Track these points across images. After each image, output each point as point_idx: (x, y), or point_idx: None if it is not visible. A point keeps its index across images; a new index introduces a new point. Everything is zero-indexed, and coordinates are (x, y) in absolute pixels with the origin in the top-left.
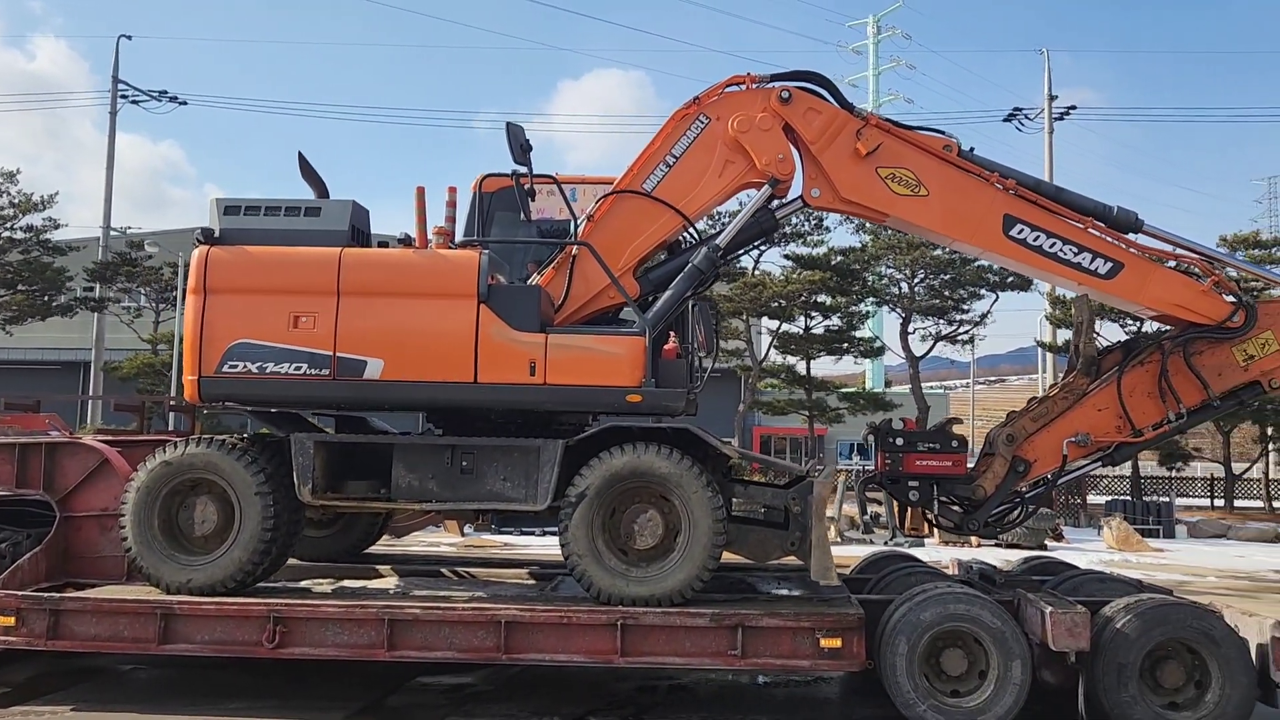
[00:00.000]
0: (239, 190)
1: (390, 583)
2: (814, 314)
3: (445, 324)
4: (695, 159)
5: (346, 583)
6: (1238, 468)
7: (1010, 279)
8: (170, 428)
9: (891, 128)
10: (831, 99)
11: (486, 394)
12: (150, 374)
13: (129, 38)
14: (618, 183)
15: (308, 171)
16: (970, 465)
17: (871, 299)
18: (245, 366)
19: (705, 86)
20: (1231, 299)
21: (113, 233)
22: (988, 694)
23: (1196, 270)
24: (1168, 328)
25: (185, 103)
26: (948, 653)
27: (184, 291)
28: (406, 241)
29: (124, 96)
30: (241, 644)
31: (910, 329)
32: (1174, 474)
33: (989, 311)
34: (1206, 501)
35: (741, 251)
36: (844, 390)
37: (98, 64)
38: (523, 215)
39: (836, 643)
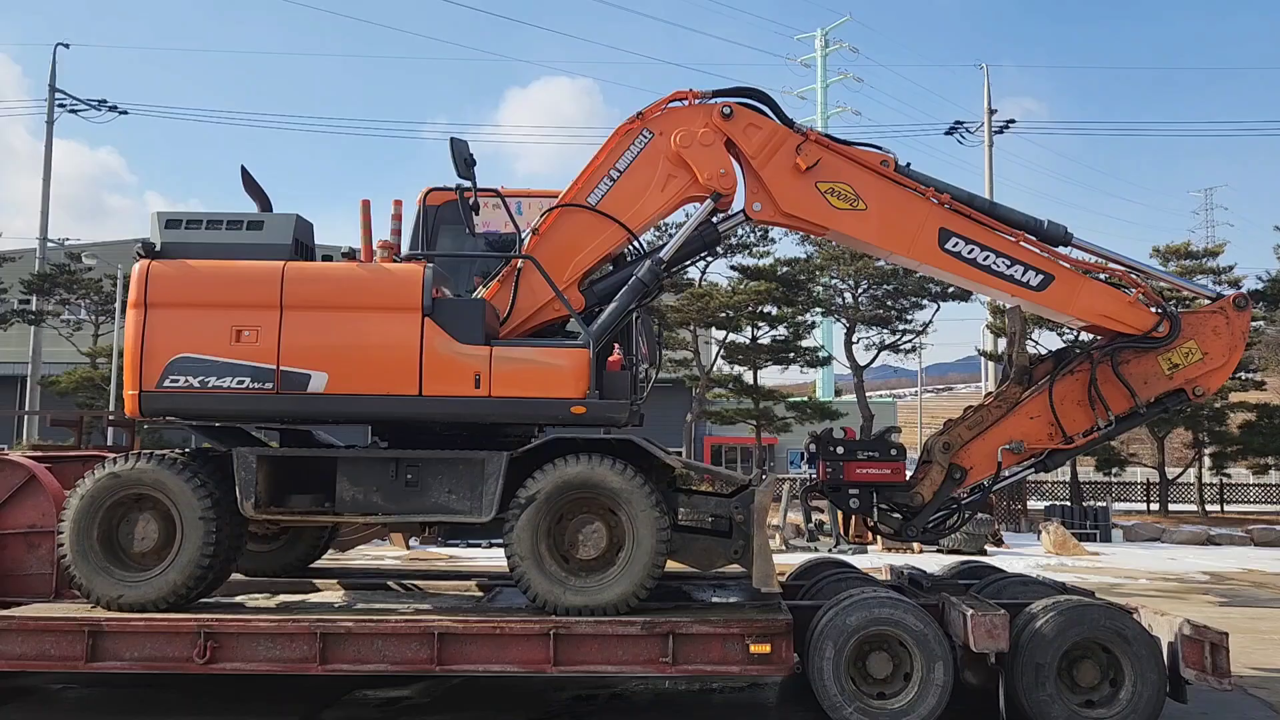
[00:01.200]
0: (183, 199)
1: (334, 596)
2: (761, 324)
3: (389, 337)
4: (639, 173)
5: (287, 597)
6: (1172, 472)
7: (951, 290)
8: (109, 443)
9: (830, 143)
10: (772, 115)
11: (431, 407)
12: (89, 388)
13: (66, 46)
14: (562, 196)
15: (250, 185)
16: (909, 473)
17: (817, 309)
18: (187, 381)
19: (652, 96)
20: (1157, 310)
21: (50, 244)
22: (912, 695)
23: (1124, 283)
24: (1097, 338)
25: (125, 112)
26: (873, 656)
27: (124, 305)
28: (351, 255)
29: (61, 105)
30: (172, 660)
31: (854, 339)
32: (1112, 479)
33: (930, 321)
34: (1144, 506)
35: (685, 264)
36: (791, 400)
37: (29, 68)
38: (467, 229)
39: (766, 648)
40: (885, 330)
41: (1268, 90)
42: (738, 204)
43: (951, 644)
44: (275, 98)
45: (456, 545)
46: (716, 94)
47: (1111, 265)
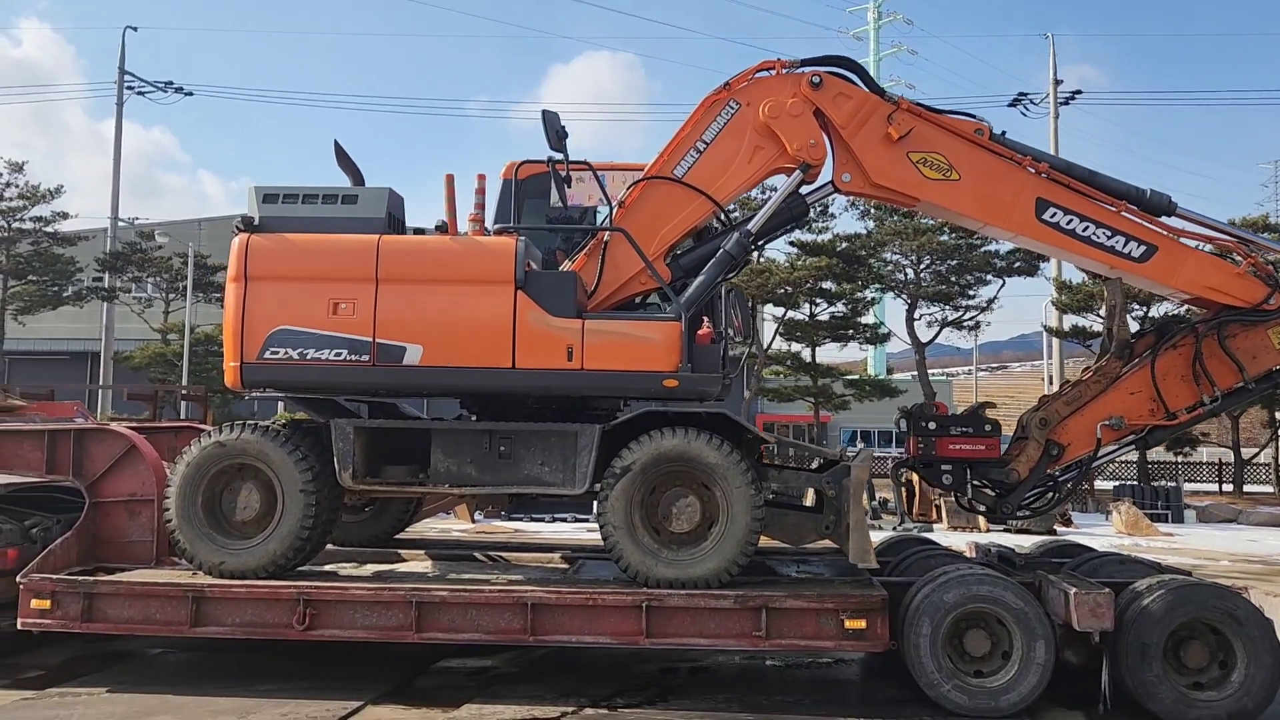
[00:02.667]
0: (234, 177)
1: (422, 566)
2: (819, 300)
3: (483, 310)
4: (725, 145)
5: (376, 566)
6: (1246, 453)
7: (1017, 264)
8: (182, 417)
9: (923, 112)
10: (861, 84)
11: (524, 380)
12: (161, 364)
13: (134, 29)
14: (648, 169)
15: (344, 159)
16: (1002, 449)
17: (877, 285)
18: (286, 353)
19: (695, 71)
20: (1268, 282)
21: (120, 223)
22: (1011, 674)
23: (1232, 253)
24: (1199, 310)
25: (191, 94)
26: (971, 633)
27: (195, 282)
28: (443, 229)
29: (130, 87)
30: (272, 626)
31: (916, 315)
32: (1181, 459)
33: (995, 297)
34: (1214, 486)
35: (772, 236)
36: (849, 377)
37: (83, 50)
38: (558, 201)
39: (861, 624)
40: (948, 306)
41: None
42: (824, 176)
43: (1051, 622)
44: (318, 77)
45: (520, 519)
46: (804, 63)
47: (1218, 236)
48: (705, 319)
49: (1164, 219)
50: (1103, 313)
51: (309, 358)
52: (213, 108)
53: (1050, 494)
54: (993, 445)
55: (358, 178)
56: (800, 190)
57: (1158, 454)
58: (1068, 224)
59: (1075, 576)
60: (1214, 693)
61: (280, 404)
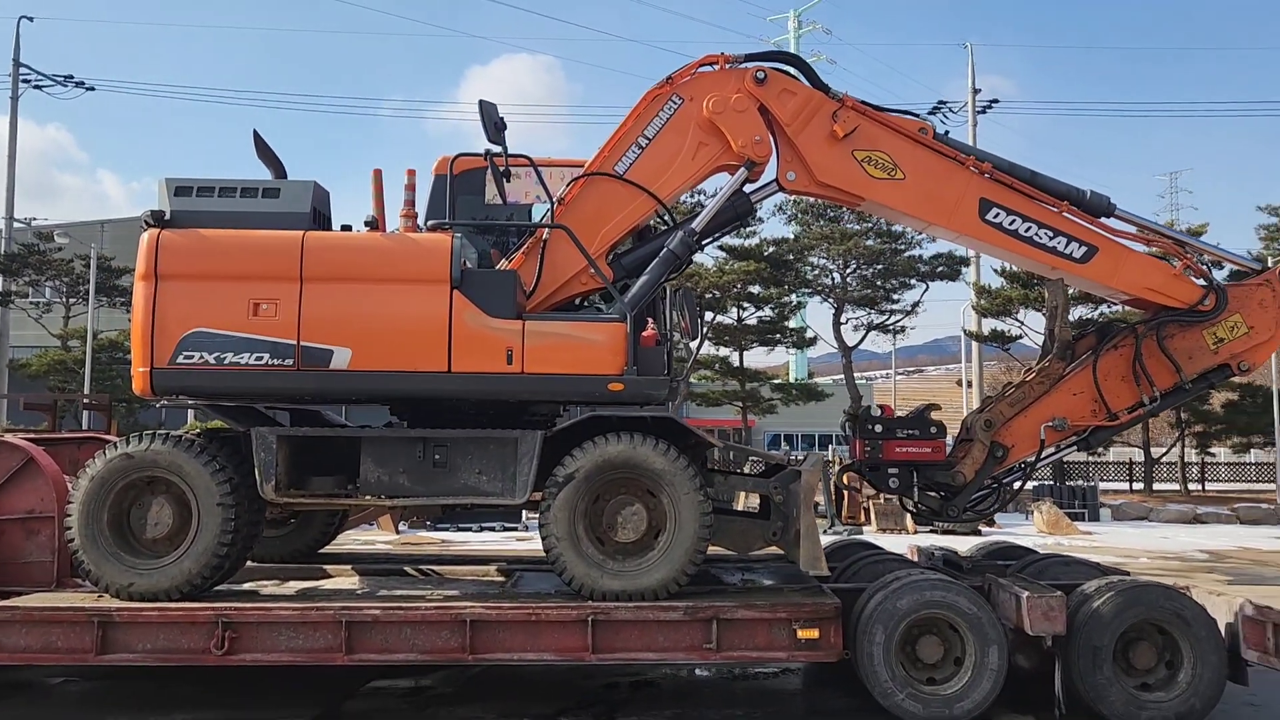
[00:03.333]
0: (136, 176)
1: (350, 583)
2: (747, 305)
3: (416, 311)
4: (668, 141)
5: (300, 584)
6: (1155, 452)
7: (940, 269)
8: (85, 427)
9: (867, 110)
10: (806, 80)
11: (461, 384)
12: (61, 371)
13: (30, 19)
14: (589, 165)
15: (263, 150)
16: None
17: (804, 289)
18: (202, 357)
19: (616, 74)
20: (1202, 283)
21: (16, 224)
22: (965, 681)
23: (1168, 255)
24: (1138, 311)
25: (93, 88)
26: (923, 640)
27: (98, 286)
28: (372, 225)
29: (25, 81)
30: (187, 652)
31: (842, 319)
32: (1094, 459)
33: (920, 301)
34: (1125, 485)
35: (717, 235)
36: (776, 381)
37: None
38: (495, 197)
39: (814, 633)
40: (873, 310)
41: (1228, 72)
42: (768, 174)
43: (1003, 627)
44: (223, 74)
45: (447, 529)
46: (749, 58)
47: (1155, 237)
48: (649, 320)
49: (1104, 220)
50: (1044, 313)
51: (227, 362)
52: (113, 104)
53: (995, 495)
54: (938, 448)
55: (279, 170)
56: (744, 188)
57: (1070, 453)
58: (1010, 224)
59: (1025, 580)
60: (1162, 693)
61: (190, 413)
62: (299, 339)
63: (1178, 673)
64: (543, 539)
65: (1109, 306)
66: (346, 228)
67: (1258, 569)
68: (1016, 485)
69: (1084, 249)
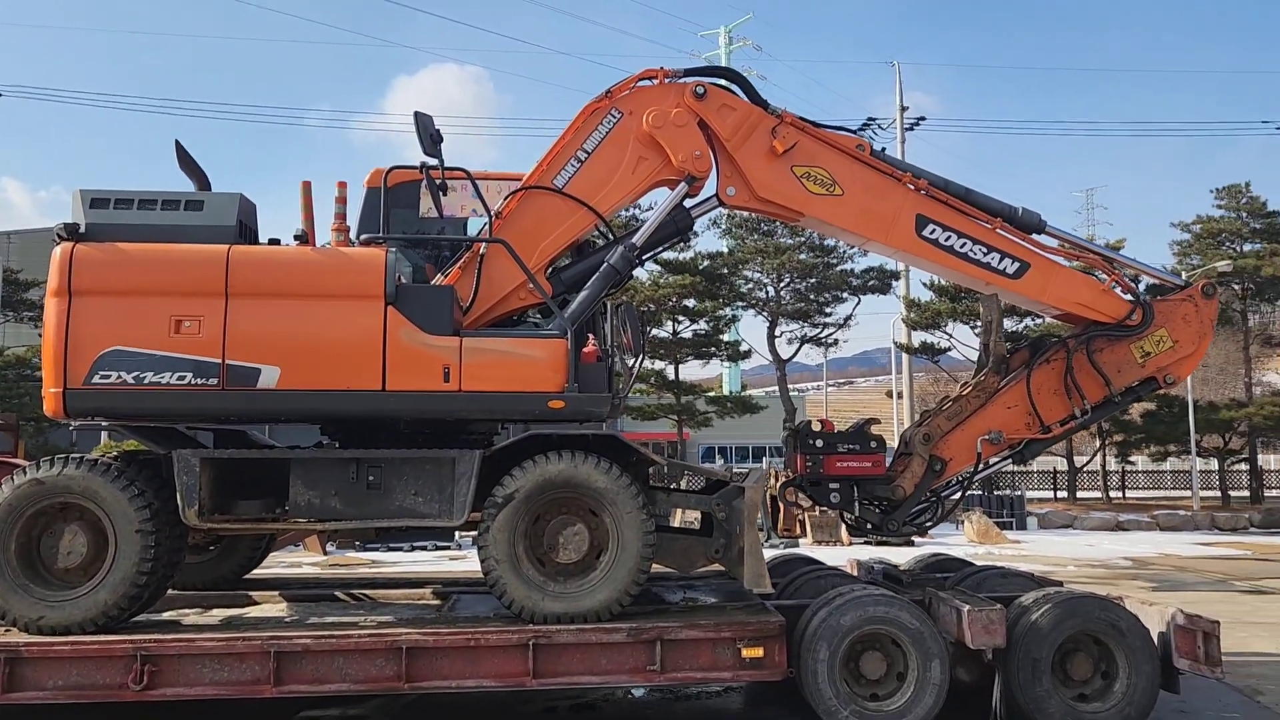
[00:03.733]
0: (44, 185)
1: (277, 609)
2: (682, 319)
3: (349, 328)
4: (608, 155)
5: (223, 612)
6: (1077, 461)
7: (871, 282)
8: None
9: (806, 126)
10: (745, 96)
11: (396, 403)
12: None
13: None
14: (526, 179)
15: (186, 161)
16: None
17: (738, 303)
18: (119, 376)
19: (546, 87)
20: (1130, 298)
21: None
22: (908, 696)
23: (1096, 271)
24: (1068, 326)
25: (2, 94)
26: (866, 656)
27: (2, 300)
28: (303, 239)
29: None
30: (103, 688)
31: (777, 332)
32: (1020, 468)
33: (852, 314)
34: (1050, 494)
35: (657, 250)
36: (710, 394)
37: None
38: (434, 210)
39: (758, 652)
40: (806, 324)
41: (1132, 95)
42: (708, 189)
43: (944, 641)
44: (143, 80)
45: (377, 549)
46: (688, 73)
47: (1084, 253)
48: (590, 336)
49: (1035, 236)
50: (978, 328)
51: (146, 382)
52: (17, 110)
53: (934, 508)
54: (878, 462)
55: (203, 182)
56: (684, 203)
57: (1005, 465)
58: (946, 240)
59: (964, 593)
60: (1099, 704)
61: (104, 434)
62: (224, 357)
63: (1113, 683)
64: (481, 561)
65: (1033, 319)
66: (275, 241)
67: (1179, 575)
68: (955, 498)
69: (1016, 265)
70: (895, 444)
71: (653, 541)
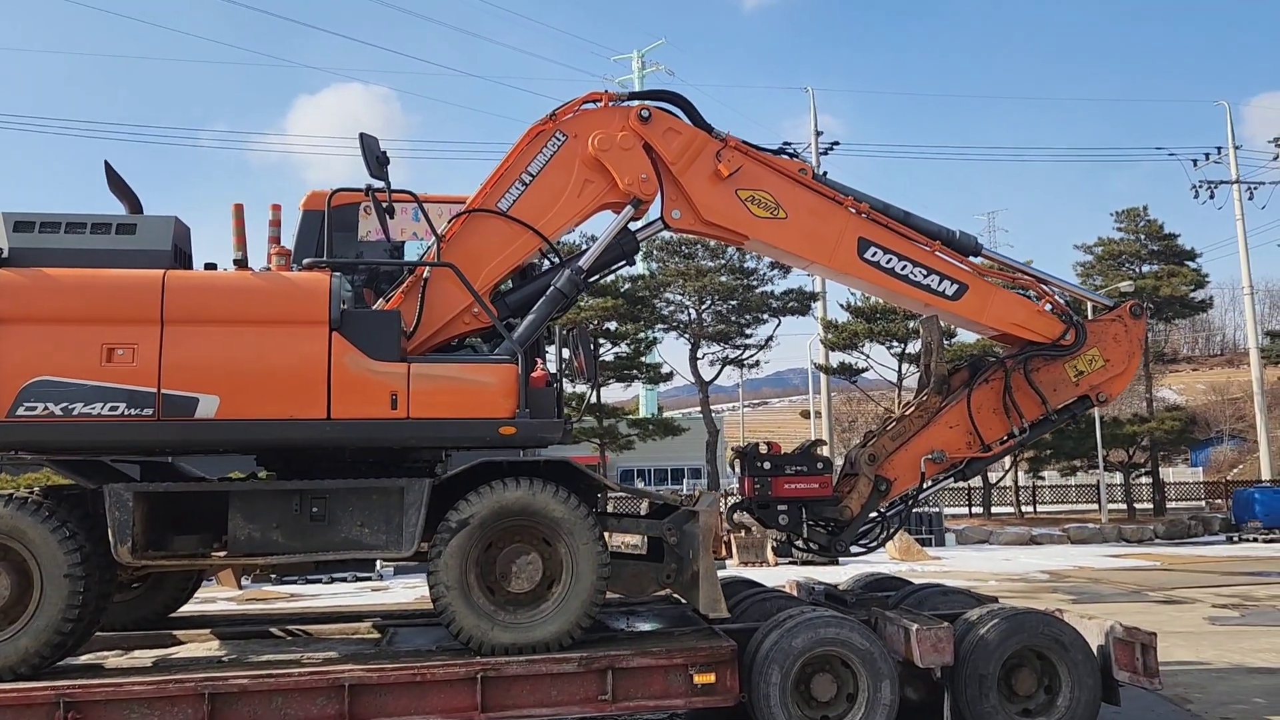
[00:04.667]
0: None
1: (208, 648)
2: (604, 341)
3: (292, 355)
4: (553, 177)
5: (147, 652)
6: (992, 477)
7: (791, 304)
8: None
9: (750, 150)
10: (689, 120)
11: (342, 431)
12: None
13: None
14: (471, 201)
15: (116, 183)
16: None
17: (660, 325)
18: (46, 408)
19: (451, 109)
20: (1063, 318)
21: None
22: (859, 717)
23: (1031, 291)
24: (1005, 346)
25: None
26: (817, 678)
27: None
28: (242, 264)
29: None
30: None
31: (699, 354)
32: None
33: (773, 335)
34: (965, 509)
35: (603, 274)
36: (632, 417)
37: None
38: (369, 234)
39: (710, 678)
40: (728, 345)
41: (1026, 120)
42: (654, 212)
43: (893, 661)
44: (17, 99)
45: (295, 582)
46: (633, 96)
47: (1018, 275)
48: (539, 360)
49: (972, 259)
50: (919, 349)
51: (76, 413)
52: None
53: (879, 528)
54: (826, 483)
55: (135, 205)
56: (630, 226)
57: (948, 484)
58: (887, 263)
59: (910, 612)
60: (1043, 718)
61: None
62: (160, 386)
63: (1056, 697)
64: (430, 588)
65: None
66: (211, 266)
67: (1095, 587)
68: (901, 516)
69: (955, 286)
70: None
71: (607, 574)
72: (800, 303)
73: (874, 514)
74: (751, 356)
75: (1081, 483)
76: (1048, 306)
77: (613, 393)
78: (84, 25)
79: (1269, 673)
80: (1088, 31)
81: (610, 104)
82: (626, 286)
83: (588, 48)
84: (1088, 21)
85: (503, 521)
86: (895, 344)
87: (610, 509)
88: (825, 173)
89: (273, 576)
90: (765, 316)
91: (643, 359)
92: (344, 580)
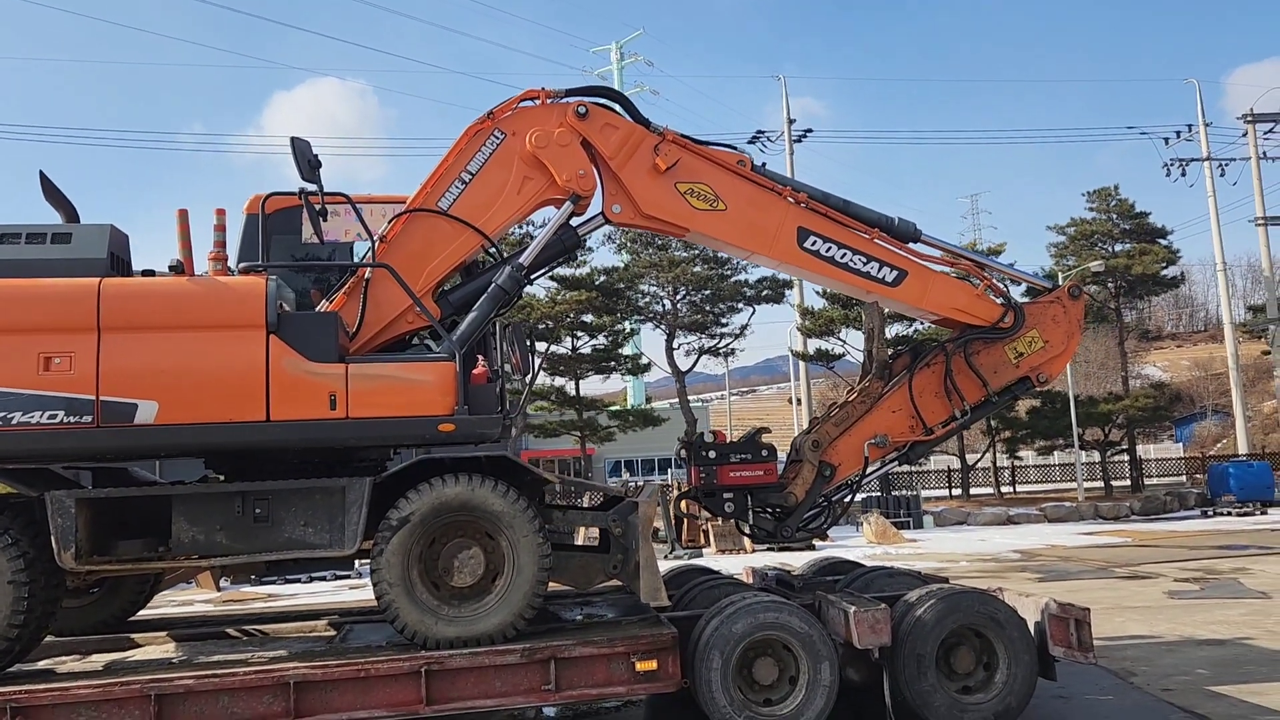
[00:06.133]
0: None
1: (163, 651)
2: (580, 334)
3: (230, 358)
4: (492, 176)
5: (104, 656)
6: (970, 459)
7: (765, 292)
8: None
9: (688, 143)
10: (626, 115)
11: (282, 433)
12: None
13: None
14: (410, 201)
15: (51, 193)
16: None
17: (636, 317)
18: None
19: (429, 104)
20: (1001, 301)
21: None
22: (800, 699)
23: (970, 276)
24: (947, 330)
25: None
26: (759, 662)
27: None
28: (178, 269)
29: None
30: None
31: (675, 344)
32: (916, 468)
33: (748, 324)
34: (945, 492)
35: (545, 269)
36: (613, 409)
37: None
38: (311, 236)
39: (652, 665)
40: (704, 335)
41: (1005, 103)
42: (594, 207)
43: (834, 643)
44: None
45: (274, 582)
46: (569, 93)
47: (957, 260)
48: (479, 357)
49: (911, 245)
50: (861, 335)
51: (14, 423)
52: None
53: (825, 513)
54: (770, 470)
55: (71, 214)
56: (571, 222)
57: (894, 468)
58: (827, 251)
59: (851, 594)
60: (981, 695)
61: None
62: (98, 394)
63: (994, 674)
64: (374, 585)
65: (921, 324)
66: (149, 273)
67: (1064, 565)
68: (845, 501)
69: (895, 273)
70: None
71: (548, 565)
72: (774, 290)
73: (820, 499)
74: (727, 345)
75: (1063, 462)
76: (987, 290)
77: (592, 385)
78: (62, 31)
79: (1217, 644)
80: (1072, 8)
81: (548, 101)
82: (601, 279)
83: (565, 40)
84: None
85: (443, 517)
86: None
87: (586, 502)
88: (765, 164)
89: (252, 578)
90: (740, 305)
91: (620, 350)
92: (323, 579)
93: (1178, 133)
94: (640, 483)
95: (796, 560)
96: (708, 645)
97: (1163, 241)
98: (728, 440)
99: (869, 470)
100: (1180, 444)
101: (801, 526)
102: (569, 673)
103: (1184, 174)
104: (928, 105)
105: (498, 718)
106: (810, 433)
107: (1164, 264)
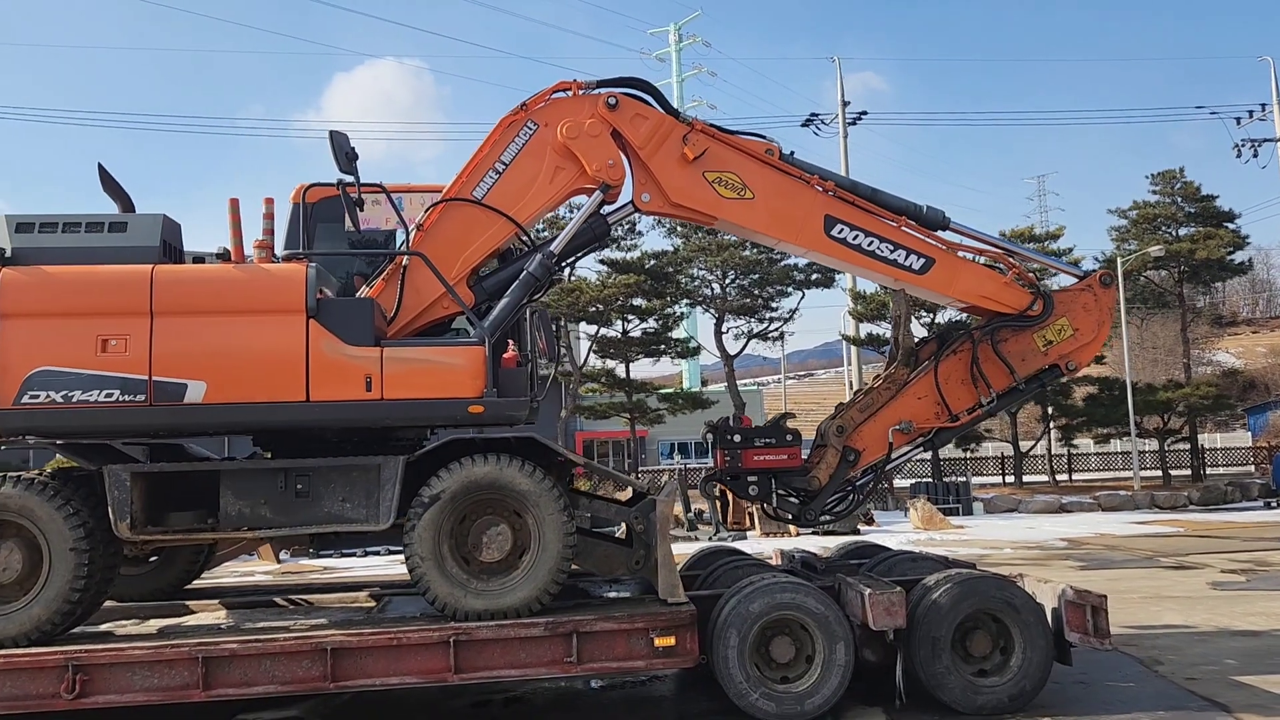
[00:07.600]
0: None
1: (215, 617)
2: (631, 317)
3: (272, 341)
4: (525, 166)
5: (161, 621)
6: (1024, 446)
7: (815, 276)
8: None
9: (716, 133)
10: (656, 105)
11: (320, 413)
12: None
13: None
14: (446, 191)
15: (109, 184)
16: (804, 458)
17: (685, 300)
18: (49, 396)
19: (488, 88)
20: (1030, 289)
21: None
22: (815, 678)
23: (999, 264)
24: (976, 318)
25: None
26: (776, 641)
27: None
28: (225, 256)
29: None
30: (36, 698)
31: (724, 328)
32: (969, 455)
33: (796, 308)
34: (999, 479)
35: (575, 257)
36: (663, 391)
37: None
38: (350, 225)
39: (670, 641)
40: (753, 319)
41: (1086, 81)
42: (625, 195)
43: (850, 624)
44: (69, 94)
45: (330, 556)
46: (600, 84)
47: (986, 248)
48: (511, 342)
49: (939, 233)
50: (890, 322)
51: (75, 400)
52: None
53: (850, 498)
54: (794, 454)
55: (127, 204)
56: (602, 210)
57: (949, 450)
58: (854, 239)
59: (870, 577)
60: (996, 678)
61: (31, 453)
62: (150, 374)
63: (1010, 658)
64: (406, 559)
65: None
66: (200, 260)
67: (1109, 554)
68: (870, 487)
69: (922, 261)
70: None
71: (573, 543)
72: (824, 274)
73: (844, 484)
74: (777, 329)
75: (1123, 450)
76: (1016, 278)
77: (642, 368)
78: (143, 23)
79: (1251, 635)
80: None
81: (579, 93)
82: (651, 263)
83: (621, 21)
84: None
85: (473, 495)
86: (924, 313)
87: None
88: (792, 152)
89: (310, 551)
90: (789, 289)
91: (670, 334)
92: (376, 553)
93: (1250, 112)
94: (670, 473)
95: (835, 544)
96: (726, 623)
97: (1230, 225)
98: (752, 425)
99: (894, 456)
100: (1252, 433)
101: (825, 510)
102: (590, 646)
103: (1256, 155)
104: (993, 79)
105: (523, 692)
106: (835, 418)
107: (1230, 249)
